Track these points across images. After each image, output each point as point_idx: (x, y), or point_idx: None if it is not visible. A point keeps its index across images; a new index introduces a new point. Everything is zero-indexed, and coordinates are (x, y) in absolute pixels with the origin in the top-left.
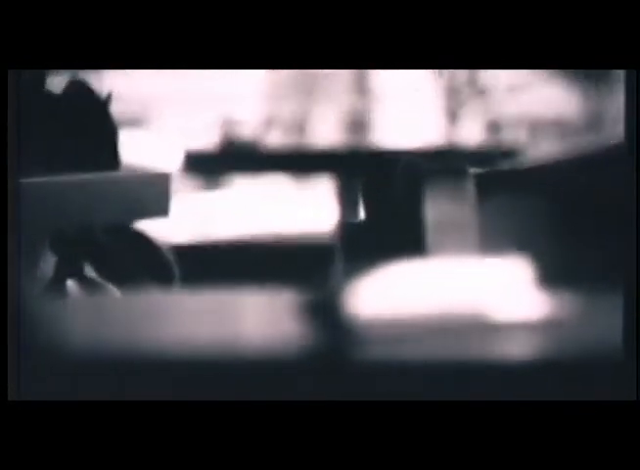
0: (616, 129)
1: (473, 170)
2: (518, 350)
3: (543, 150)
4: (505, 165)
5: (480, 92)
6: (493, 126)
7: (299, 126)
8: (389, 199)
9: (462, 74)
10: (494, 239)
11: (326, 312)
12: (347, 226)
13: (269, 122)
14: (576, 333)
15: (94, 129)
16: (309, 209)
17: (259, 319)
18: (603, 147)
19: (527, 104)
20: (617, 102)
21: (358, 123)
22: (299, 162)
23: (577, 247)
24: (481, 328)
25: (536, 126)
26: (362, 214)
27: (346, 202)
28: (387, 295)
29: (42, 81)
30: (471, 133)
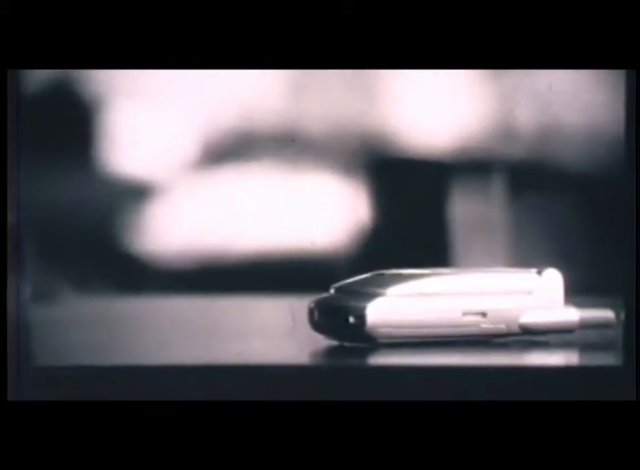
0: None
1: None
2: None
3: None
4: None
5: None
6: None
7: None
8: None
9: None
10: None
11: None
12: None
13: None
14: (576, 333)
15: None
16: (319, 210)
17: (265, 325)
18: None
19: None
20: None
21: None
22: (311, 162)
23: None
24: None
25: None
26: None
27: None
28: (408, 301)
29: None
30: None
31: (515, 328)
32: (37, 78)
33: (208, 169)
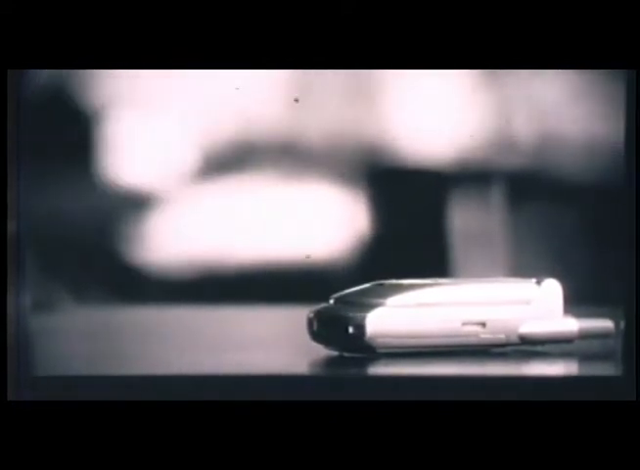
0: None
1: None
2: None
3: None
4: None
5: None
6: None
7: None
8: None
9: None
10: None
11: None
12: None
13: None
14: (576, 343)
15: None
16: (318, 221)
17: (266, 335)
18: None
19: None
20: None
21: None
22: (308, 170)
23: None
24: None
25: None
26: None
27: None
28: (408, 312)
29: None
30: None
31: (514, 338)
32: (37, 86)
33: (208, 179)
